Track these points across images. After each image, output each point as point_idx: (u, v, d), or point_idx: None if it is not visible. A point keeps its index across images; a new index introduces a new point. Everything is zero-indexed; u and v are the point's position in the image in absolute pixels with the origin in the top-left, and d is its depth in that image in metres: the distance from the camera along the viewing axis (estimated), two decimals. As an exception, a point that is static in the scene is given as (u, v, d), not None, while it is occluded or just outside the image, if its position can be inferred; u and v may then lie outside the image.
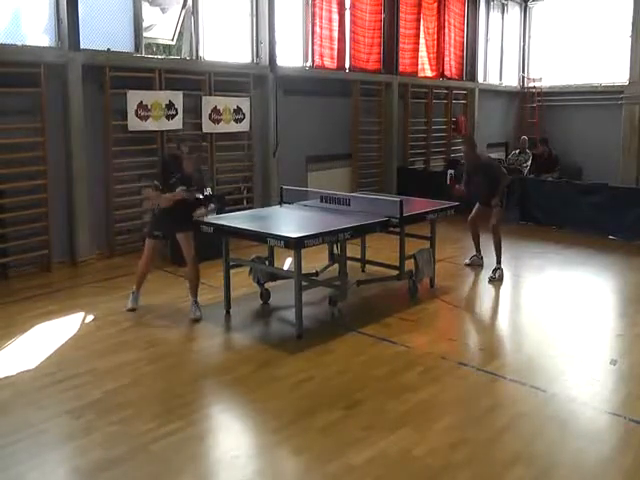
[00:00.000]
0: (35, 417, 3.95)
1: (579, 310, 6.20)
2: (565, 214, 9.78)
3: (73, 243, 7.68)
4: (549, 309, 6.20)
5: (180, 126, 8.50)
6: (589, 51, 14.19)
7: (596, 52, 14.07)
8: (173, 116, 8.40)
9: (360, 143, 11.47)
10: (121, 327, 5.57)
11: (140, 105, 8.03)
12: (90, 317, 5.83)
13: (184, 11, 8.82)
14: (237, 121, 9.26)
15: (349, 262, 6.69)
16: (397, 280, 6.37)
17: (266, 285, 6.25)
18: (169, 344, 5.22)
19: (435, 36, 12.99)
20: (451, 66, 13.57)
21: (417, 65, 12.63)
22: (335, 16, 10.75)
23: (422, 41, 12.68)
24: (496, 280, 7.08)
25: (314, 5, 10.37)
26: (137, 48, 8.22)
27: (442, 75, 13.29)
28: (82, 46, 7.48)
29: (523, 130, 14.48)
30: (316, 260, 6.80)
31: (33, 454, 3.57)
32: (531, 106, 15.27)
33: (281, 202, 6.95)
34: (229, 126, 9.17)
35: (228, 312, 5.91)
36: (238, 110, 9.25)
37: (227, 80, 9.13)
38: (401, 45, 12.08)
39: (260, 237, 5.51)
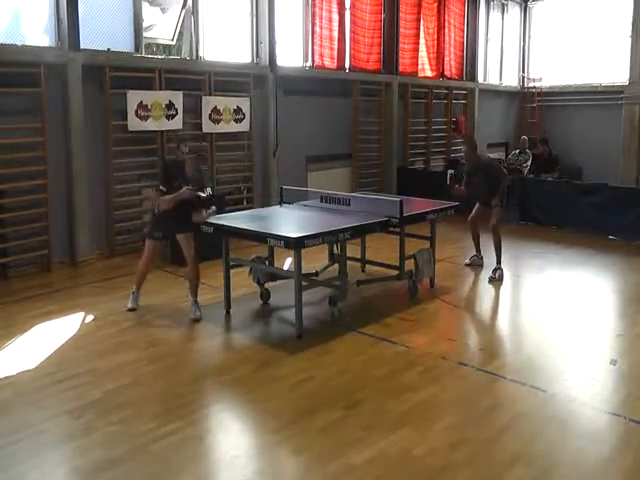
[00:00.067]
0: (35, 417, 3.95)
1: (579, 310, 6.20)
2: (565, 214, 9.79)
3: (73, 243, 7.69)
4: (549, 309, 6.20)
5: (180, 126, 8.50)
6: (589, 51, 14.19)
7: (596, 52, 14.07)
8: (173, 116, 8.40)
9: (360, 143, 11.47)
10: (121, 327, 5.57)
11: (140, 105, 8.03)
12: (90, 317, 5.84)
13: (184, 11, 8.82)
14: (237, 121, 9.26)
15: (349, 262, 6.69)
16: (397, 280, 6.37)
17: (266, 285, 6.25)
18: (169, 344, 5.22)
19: (435, 36, 12.99)
20: (451, 66, 13.57)
21: (417, 65, 12.64)
22: (335, 16, 10.75)
23: (422, 41, 12.68)
24: (496, 280, 7.08)
25: (314, 5, 10.37)
26: (137, 48, 8.22)
27: (442, 75, 13.29)
28: (82, 46, 7.48)
29: (523, 130, 14.48)
30: (316, 260, 6.80)
31: (33, 454, 3.57)
32: (531, 106, 15.27)
33: (281, 202, 6.95)
34: (229, 126, 9.17)
35: (228, 312, 5.92)
36: (238, 110, 9.25)
37: (227, 80, 9.13)
38: (401, 45, 12.08)
39: (260, 237, 5.51)
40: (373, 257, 7.11)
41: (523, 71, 15.70)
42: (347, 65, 11.16)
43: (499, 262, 7.23)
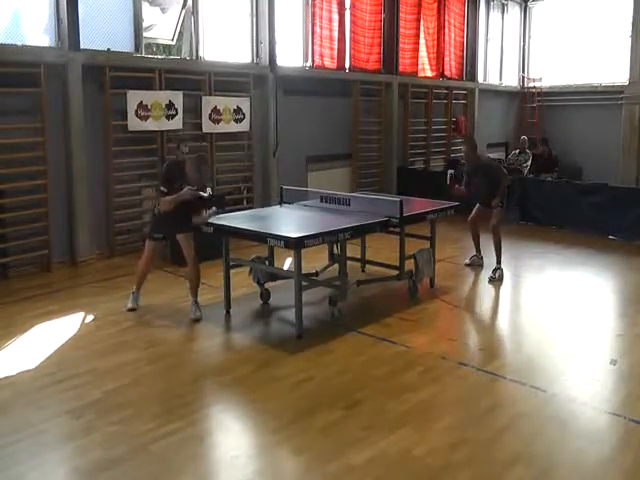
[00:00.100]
0: (35, 417, 3.95)
1: (579, 310, 6.20)
2: (565, 214, 9.79)
3: (73, 243, 7.69)
4: (549, 309, 6.20)
5: (180, 126, 8.50)
6: (589, 51, 14.20)
7: (596, 52, 14.07)
8: (173, 116, 8.40)
9: (360, 143, 11.47)
10: (121, 327, 5.57)
11: (140, 105, 8.03)
12: (90, 317, 5.84)
13: (184, 11, 8.83)
14: (237, 121, 9.26)
15: (349, 262, 6.69)
16: (397, 280, 6.37)
17: (266, 285, 6.25)
18: (169, 344, 5.22)
19: (435, 36, 12.99)
20: (451, 66, 13.57)
21: (417, 65, 12.64)
22: (335, 16, 10.75)
23: (422, 41, 12.68)
24: (496, 280, 7.08)
25: (314, 5, 10.37)
26: (137, 48, 8.22)
27: (442, 75, 13.30)
28: (82, 46, 7.48)
29: (523, 130, 14.48)
30: (316, 260, 6.80)
31: (33, 454, 3.57)
32: (531, 106, 15.27)
33: (281, 202, 6.95)
34: (229, 126, 9.17)
35: (228, 312, 5.91)
36: (238, 110, 9.25)
37: (227, 80, 9.13)
38: (401, 45, 12.08)
39: (260, 237, 5.51)
40: (373, 257, 7.11)
41: (523, 71, 15.71)
42: (347, 65, 11.16)
43: (499, 262, 7.23)
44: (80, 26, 7.43)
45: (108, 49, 7.84)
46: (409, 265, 6.34)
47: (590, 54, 14.19)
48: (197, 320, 5.70)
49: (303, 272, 5.43)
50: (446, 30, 13.24)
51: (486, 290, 6.98)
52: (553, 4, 15.09)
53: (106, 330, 5.49)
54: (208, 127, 8.91)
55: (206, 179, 6.02)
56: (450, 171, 7.53)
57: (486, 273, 7.28)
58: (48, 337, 5.30)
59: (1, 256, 7.07)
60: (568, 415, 4.09)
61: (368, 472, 3.38)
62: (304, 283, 5.54)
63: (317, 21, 10.46)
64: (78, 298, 6.40)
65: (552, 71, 15.04)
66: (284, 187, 7.05)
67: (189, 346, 5.29)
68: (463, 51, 13.89)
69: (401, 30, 12.01)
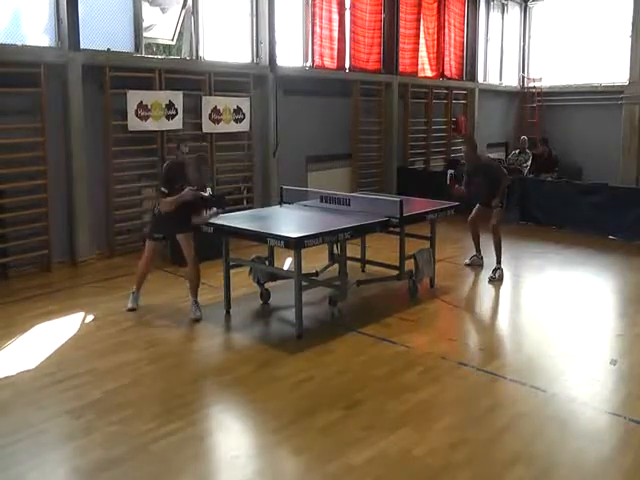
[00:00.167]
0: (35, 417, 3.95)
1: (579, 310, 6.20)
2: (565, 214, 9.79)
3: (73, 243, 7.69)
4: (549, 309, 6.20)
5: (180, 126, 8.50)
6: (589, 51, 14.20)
7: (596, 52, 14.07)
8: (173, 116, 8.40)
9: (360, 143, 11.47)
10: (121, 327, 5.57)
11: (140, 105, 8.03)
12: (90, 317, 5.84)
13: (184, 11, 8.83)
14: (237, 121, 9.26)
15: (349, 262, 6.69)
16: (397, 280, 6.37)
17: (266, 285, 6.25)
18: (169, 344, 5.22)
19: (435, 36, 12.99)
20: (451, 66, 13.57)
21: (417, 65, 12.64)
22: (335, 16, 10.75)
23: (422, 41, 12.68)
24: (496, 280, 7.08)
25: (314, 5, 10.37)
26: (137, 48, 8.22)
27: (442, 75, 13.30)
28: (82, 46, 7.48)
29: (523, 130, 14.48)
30: (316, 260, 6.80)
31: (33, 454, 3.57)
32: (531, 106, 15.27)
33: (281, 202, 6.95)
34: (229, 126, 9.17)
35: (228, 312, 5.92)
36: (238, 110, 9.25)
37: (227, 80, 9.13)
38: (401, 45, 12.08)
39: (260, 237, 5.51)
40: (373, 257, 7.11)
41: (523, 71, 15.71)
42: (347, 65, 11.16)
43: (499, 262, 7.23)
44: (80, 26, 7.43)
45: (108, 49, 7.84)
46: (409, 265, 6.34)
47: (590, 54, 14.19)
48: (197, 320, 5.70)
49: (303, 272, 5.43)
50: (446, 30, 13.24)
51: (486, 290, 6.98)
52: (553, 4, 15.09)
53: (106, 330, 5.49)
54: (208, 127, 8.91)
55: (206, 179, 6.03)
56: (450, 171, 7.53)
57: (486, 273, 7.28)
58: (48, 337, 5.30)
59: (1, 256, 7.07)
60: (568, 415, 4.09)
61: (368, 472, 3.38)
62: (304, 283, 5.54)
63: (317, 21, 10.46)
64: (78, 298, 6.40)
65: (552, 71, 15.04)
66: (284, 187, 7.05)
67: (189, 346, 5.29)
68: (463, 51, 13.89)
69: (401, 30, 12.01)
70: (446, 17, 13.19)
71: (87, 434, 3.79)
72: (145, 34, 8.34)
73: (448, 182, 7.31)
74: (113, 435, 3.76)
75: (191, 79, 8.71)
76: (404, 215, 5.89)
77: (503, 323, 6.25)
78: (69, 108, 7.47)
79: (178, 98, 8.42)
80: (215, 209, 5.75)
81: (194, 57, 8.91)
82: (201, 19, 8.91)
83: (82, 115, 7.57)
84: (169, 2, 8.75)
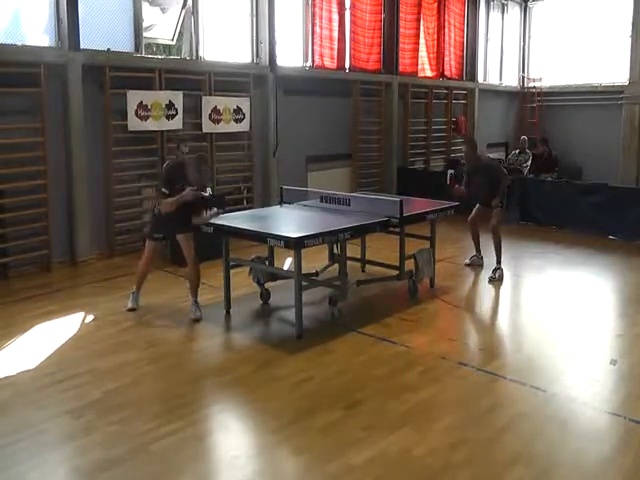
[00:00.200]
0: (35, 417, 3.95)
1: (579, 310, 6.20)
2: (565, 214, 9.79)
3: (73, 243, 7.69)
4: (549, 309, 6.20)
5: (180, 126, 8.50)
6: (589, 51, 14.20)
7: (596, 52, 14.07)
8: (173, 116, 8.40)
9: (360, 143, 11.47)
10: (121, 327, 5.57)
11: (140, 105, 8.03)
12: (90, 317, 5.84)
13: (184, 11, 8.83)
14: (237, 121, 9.26)
15: (349, 262, 6.69)
16: (397, 280, 6.37)
17: (266, 285, 6.25)
18: (169, 344, 5.22)
19: (435, 36, 12.99)
20: (451, 66, 13.57)
21: (417, 65, 12.64)
22: (335, 16, 10.75)
23: (422, 41, 12.68)
24: (496, 280, 7.08)
25: (314, 5, 10.37)
26: (137, 48, 8.22)
27: (442, 75, 13.30)
28: (82, 46, 7.48)
29: (523, 130, 14.48)
30: (316, 260, 6.80)
31: (33, 454, 3.57)
32: (531, 106, 15.27)
33: (281, 202, 6.95)
34: (229, 126, 9.17)
35: (228, 312, 5.92)
36: (238, 110, 9.25)
37: (227, 80, 9.13)
38: (401, 45, 12.08)
39: (260, 237, 5.51)
40: (373, 257, 7.11)
41: (523, 71, 15.71)
42: (347, 65, 11.16)
43: (499, 262, 7.23)
44: (80, 26, 7.43)
45: (108, 49, 7.84)
46: (409, 265, 6.34)
47: (590, 54, 14.19)
48: (197, 320, 5.70)
49: (303, 272, 5.43)
50: (446, 30, 13.24)
51: (486, 290, 6.98)
52: (553, 4, 15.09)
53: (106, 330, 5.49)
54: (208, 127, 8.91)
55: (206, 179, 6.03)
56: (450, 171, 7.53)
57: (486, 273, 7.28)
58: (48, 337, 5.30)
59: (1, 256, 7.07)
60: (568, 415, 4.09)
61: (368, 472, 3.38)
62: (304, 283, 5.54)
63: (317, 21, 10.46)
64: (78, 298, 6.41)
65: (552, 71, 15.04)
66: (284, 187, 7.05)
67: (189, 346, 5.29)
68: (463, 51, 13.89)
69: (401, 30, 12.01)
70: (446, 17, 13.19)
71: (87, 434, 3.79)
72: (145, 34, 8.35)
73: (448, 182, 7.31)
74: (113, 435, 3.76)
75: (191, 79, 8.71)
76: (404, 215, 5.89)
77: (503, 323, 6.25)
78: (69, 108, 7.47)
79: (178, 98, 8.42)
80: (215, 209, 5.75)
81: (194, 57, 8.91)
82: (201, 19, 8.91)
83: (82, 115, 7.57)
84: (169, 2, 8.75)
